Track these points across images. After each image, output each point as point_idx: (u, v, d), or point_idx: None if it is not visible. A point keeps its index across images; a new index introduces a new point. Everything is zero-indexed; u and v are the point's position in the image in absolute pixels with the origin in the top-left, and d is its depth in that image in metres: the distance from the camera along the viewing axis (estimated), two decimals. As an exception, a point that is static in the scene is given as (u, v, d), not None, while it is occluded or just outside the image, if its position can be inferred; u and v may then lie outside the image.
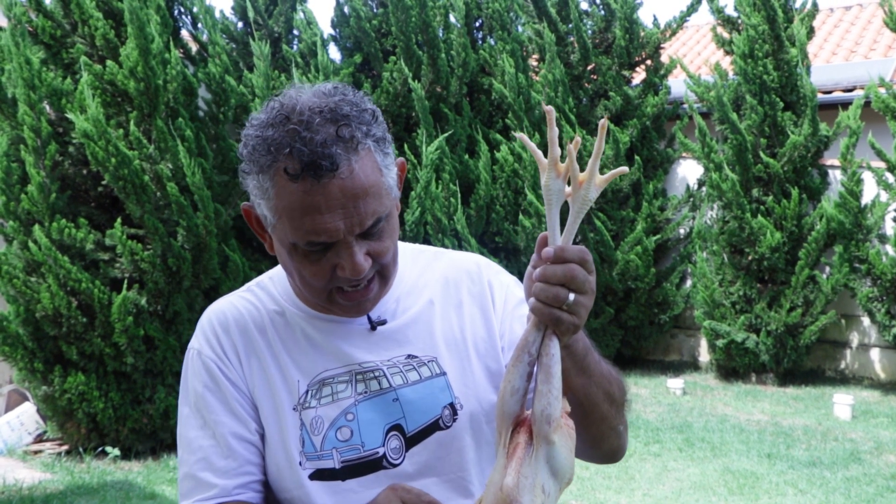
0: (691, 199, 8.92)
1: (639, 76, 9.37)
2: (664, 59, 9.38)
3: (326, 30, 12.94)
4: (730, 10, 9.19)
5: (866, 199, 7.65)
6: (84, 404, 5.27)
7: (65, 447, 5.55)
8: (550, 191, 1.04)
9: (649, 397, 7.42)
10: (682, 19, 9.07)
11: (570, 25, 8.90)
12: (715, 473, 5.22)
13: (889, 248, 7.52)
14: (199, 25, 6.50)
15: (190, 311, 5.57)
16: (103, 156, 5.08)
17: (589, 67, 8.99)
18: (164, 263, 5.36)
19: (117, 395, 5.35)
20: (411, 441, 1.23)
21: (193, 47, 6.60)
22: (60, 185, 5.33)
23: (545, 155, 1.04)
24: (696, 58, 12.41)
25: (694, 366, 8.95)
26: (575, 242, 1.06)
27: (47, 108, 5.34)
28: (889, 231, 7.56)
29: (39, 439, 5.74)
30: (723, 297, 8.05)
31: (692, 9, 8.98)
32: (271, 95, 1.21)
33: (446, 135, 7.18)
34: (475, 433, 1.26)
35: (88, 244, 5.27)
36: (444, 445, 1.24)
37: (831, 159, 8.14)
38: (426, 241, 6.63)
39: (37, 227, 5.10)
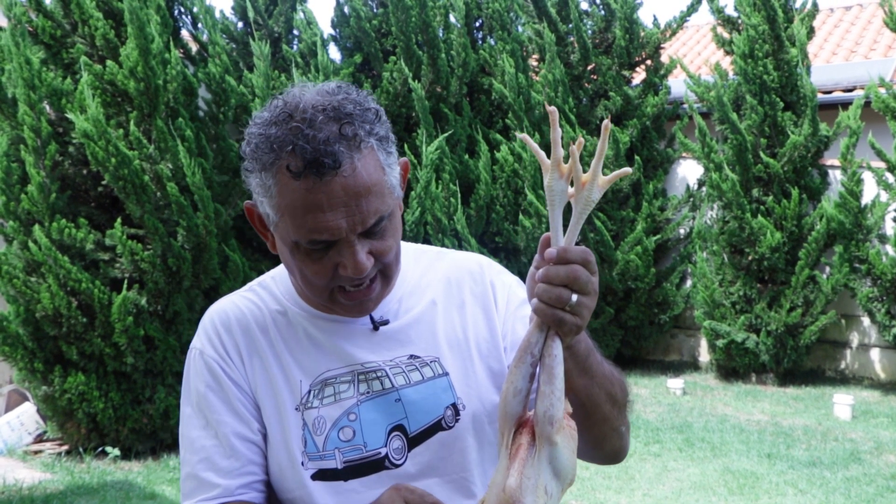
0: (691, 199, 8.92)
1: (639, 76, 9.36)
2: (664, 59, 9.38)
3: (326, 30, 12.94)
4: (730, 10, 9.20)
5: (866, 199, 7.65)
6: (84, 404, 5.27)
7: (65, 447, 5.55)
8: (553, 192, 1.04)
9: (649, 397, 7.42)
10: (682, 19, 9.07)
11: (570, 25, 8.90)
12: (715, 473, 5.22)
13: (889, 248, 7.52)
14: (199, 25, 6.49)
15: (190, 311, 5.57)
16: (103, 156, 5.08)
17: (589, 67, 8.99)
18: (164, 263, 5.36)
19: (117, 395, 5.35)
20: (413, 441, 1.23)
21: (193, 47, 6.60)
22: (60, 185, 5.33)
23: (548, 156, 1.04)
24: (696, 58, 12.41)
25: (694, 366, 8.95)
26: (577, 243, 1.06)
27: (47, 108, 5.34)
28: (889, 231, 7.56)
29: (39, 439, 5.73)
30: (723, 297, 8.05)
31: (692, 9, 8.97)
32: (275, 94, 1.20)
33: (446, 135, 7.18)
34: (477, 434, 1.26)
35: (88, 244, 5.26)
36: (446, 446, 1.24)
37: (831, 159, 8.14)
38: (426, 241, 6.63)
39: (37, 227, 5.10)
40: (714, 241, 8.19)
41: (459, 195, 7.10)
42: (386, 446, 1.21)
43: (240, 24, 7.82)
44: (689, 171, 9.26)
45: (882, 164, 7.53)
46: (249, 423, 1.22)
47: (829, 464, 5.41)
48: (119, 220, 5.28)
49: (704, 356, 8.93)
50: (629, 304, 8.55)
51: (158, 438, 5.57)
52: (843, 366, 8.36)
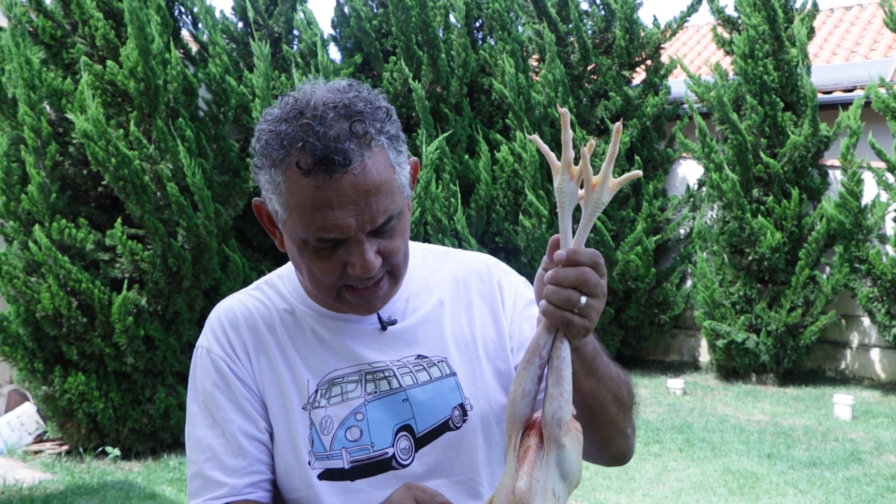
0: (691, 200, 8.92)
1: (639, 76, 9.36)
2: (664, 59, 9.38)
3: (327, 30, 12.94)
4: (730, 11, 9.20)
5: (866, 199, 7.65)
6: (84, 404, 5.27)
7: (65, 447, 5.54)
8: (563, 193, 1.04)
9: (649, 397, 7.42)
10: (682, 19, 9.07)
11: (570, 25, 8.90)
12: (715, 474, 5.22)
13: (889, 249, 7.53)
14: (200, 25, 6.49)
15: (190, 311, 5.57)
16: (103, 156, 5.07)
17: (589, 67, 8.99)
18: (164, 263, 5.36)
19: (117, 395, 5.35)
20: (421, 441, 1.22)
21: (194, 47, 6.60)
22: (60, 186, 5.33)
23: (558, 157, 1.04)
24: (697, 58, 12.41)
25: (694, 366, 8.95)
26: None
27: (47, 108, 5.34)
28: (889, 231, 7.57)
29: (39, 439, 5.73)
30: (723, 297, 8.06)
31: (692, 9, 8.98)
32: (285, 92, 1.20)
33: (446, 135, 7.18)
34: (485, 434, 1.25)
35: (88, 244, 5.26)
36: (453, 446, 1.23)
37: (831, 159, 8.15)
38: (426, 241, 6.61)
39: (37, 227, 5.09)
40: (714, 242, 8.19)
41: (459, 195, 7.10)
42: (393, 446, 1.21)
43: (240, 25, 7.81)
44: (689, 172, 9.27)
45: (882, 165, 7.54)
46: (257, 421, 1.22)
47: (830, 464, 5.41)
48: (119, 220, 5.28)
49: (704, 356, 8.93)
50: (629, 304, 8.55)
51: (158, 438, 5.57)
52: (843, 366, 8.37)
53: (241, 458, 1.20)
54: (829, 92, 9.43)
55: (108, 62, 5.36)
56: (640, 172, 1.08)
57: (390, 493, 1.14)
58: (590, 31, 9.15)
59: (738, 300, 8.00)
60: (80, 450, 5.42)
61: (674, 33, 9.15)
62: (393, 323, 1.25)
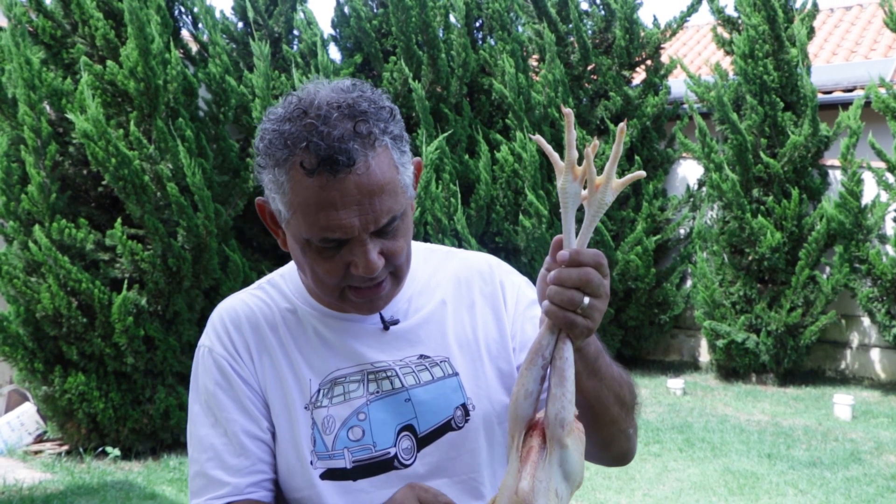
0: (691, 200, 8.92)
1: (639, 76, 9.37)
2: (664, 59, 9.38)
3: (327, 30, 12.94)
4: (730, 11, 9.20)
5: (866, 199, 7.65)
6: (84, 404, 5.27)
7: (65, 447, 5.54)
8: (567, 194, 1.03)
9: (649, 397, 7.42)
10: (682, 19, 9.07)
11: (570, 25, 8.90)
12: (715, 474, 5.22)
13: (889, 249, 7.53)
14: (200, 25, 6.49)
15: (190, 311, 5.57)
16: (103, 156, 5.07)
17: (589, 67, 8.99)
18: (164, 263, 5.35)
19: (117, 395, 5.34)
20: (423, 441, 1.22)
21: (194, 47, 6.60)
22: (60, 186, 5.33)
23: (561, 157, 1.04)
24: (697, 58, 12.41)
25: (694, 366, 8.95)
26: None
27: (47, 108, 5.33)
28: (889, 231, 7.57)
29: (39, 439, 5.73)
30: (723, 297, 8.06)
31: (692, 9, 8.98)
32: (287, 92, 1.19)
33: (446, 135, 7.18)
34: (487, 434, 1.25)
35: (88, 244, 5.26)
36: (455, 446, 1.23)
37: (831, 159, 8.15)
38: (426, 241, 6.62)
39: (37, 227, 5.09)
40: (714, 242, 8.19)
41: (459, 195, 7.10)
42: (395, 446, 1.21)
43: (240, 25, 7.81)
44: (689, 172, 9.27)
45: (882, 164, 7.54)
46: (259, 421, 1.21)
47: (830, 464, 5.41)
48: (119, 220, 5.28)
49: (704, 356, 8.93)
50: (629, 304, 8.55)
51: (158, 438, 5.57)
52: (843, 366, 8.37)
53: (243, 457, 1.20)
54: (829, 92, 9.43)
55: (108, 62, 5.36)
56: (643, 173, 1.08)
57: (393, 493, 1.14)
58: (590, 31, 9.15)
59: (738, 300, 8.00)
60: (80, 450, 5.41)
61: (674, 33, 9.16)
62: (395, 323, 1.25)
